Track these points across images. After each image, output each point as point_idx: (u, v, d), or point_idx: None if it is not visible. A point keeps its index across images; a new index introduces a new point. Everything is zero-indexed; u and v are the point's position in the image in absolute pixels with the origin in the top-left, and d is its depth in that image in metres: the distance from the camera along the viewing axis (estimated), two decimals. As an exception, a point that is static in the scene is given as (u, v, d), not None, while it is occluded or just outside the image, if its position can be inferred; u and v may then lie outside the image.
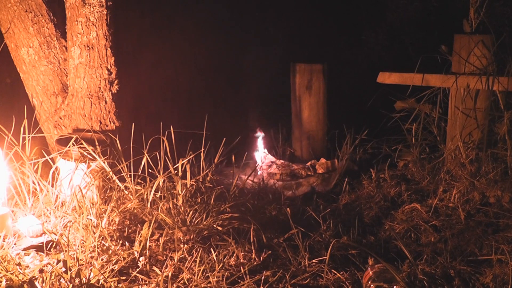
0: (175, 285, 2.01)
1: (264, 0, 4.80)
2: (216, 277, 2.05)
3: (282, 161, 3.71)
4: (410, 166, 3.14)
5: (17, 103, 3.13)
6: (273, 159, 3.66)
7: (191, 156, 2.70)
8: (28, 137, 2.71)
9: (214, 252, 2.20)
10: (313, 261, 2.19)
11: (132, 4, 3.59)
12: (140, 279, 2.06)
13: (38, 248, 2.25)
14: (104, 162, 2.60)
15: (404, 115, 3.16)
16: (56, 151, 2.72)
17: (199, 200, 2.60)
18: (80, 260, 2.12)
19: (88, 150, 2.61)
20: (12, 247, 2.23)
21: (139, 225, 2.44)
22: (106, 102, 3.00)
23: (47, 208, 2.56)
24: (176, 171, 2.59)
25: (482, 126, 2.85)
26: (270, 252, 2.27)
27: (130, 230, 2.43)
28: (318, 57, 3.81)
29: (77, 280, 1.91)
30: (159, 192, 2.58)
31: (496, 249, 2.16)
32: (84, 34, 2.89)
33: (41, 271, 1.99)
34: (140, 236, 2.24)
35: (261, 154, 3.67)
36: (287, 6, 4.82)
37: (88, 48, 2.91)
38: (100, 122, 3.00)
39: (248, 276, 2.07)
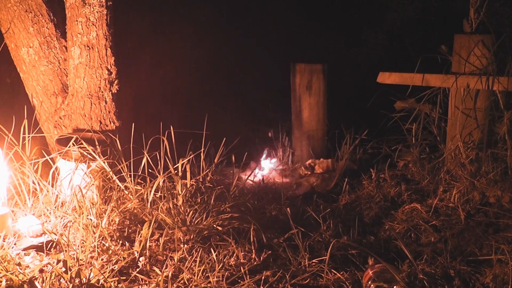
0: (175, 285, 2.01)
1: (264, 1, 4.80)
2: (216, 277, 2.05)
3: (281, 161, 3.71)
4: (410, 166, 3.14)
5: (17, 103, 3.13)
6: (272, 164, 3.65)
7: (191, 156, 2.70)
8: (28, 137, 2.71)
9: (214, 252, 2.20)
10: (313, 261, 2.19)
11: (132, 4, 3.59)
12: (140, 279, 2.06)
13: (38, 248, 2.25)
14: (104, 162, 2.60)
15: (404, 115, 3.16)
16: (56, 151, 2.72)
17: (199, 200, 2.60)
18: (80, 260, 2.12)
19: (88, 150, 2.61)
20: (12, 247, 2.23)
21: (139, 225, 2.44)
22: (106, 102, 3.00)
23: (47, 208, 2.56)
24: (176, 171, 2.59)
25: (482, 126, 2.85)
26: (270, 252, 2.27)
27: (130, 230, 2.43)
28: (318, 57, 3.81)
29: (77, 280, 1.91)
30: (159, 192, 2.58)
31: (496, 249, 2.16)
32: (84, 34, 2.89)
33: (41, 271, 1.99)
34: (140, 236, 2.24)
35: (261, 158, 3.65)
36: (287, 6, 4.82)
37: (88, 48, 2.91)
38: (100, 122, 3.00)
39: (248, 276, 2.07)
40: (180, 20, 4.30)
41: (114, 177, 2.62)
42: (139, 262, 2.17)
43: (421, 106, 3.08)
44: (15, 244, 2.27)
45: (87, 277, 1.95)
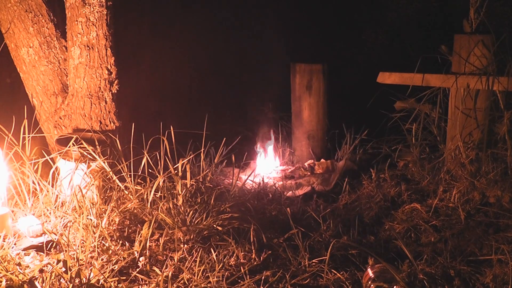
0: (175, 285, 2.01)
1: (264, 0, 4.80)
2: (216, 277, 2.05)
3: (281, 161, 3.71)
4: (410, 166, 3.13)
5: (17, 103, 3.13)
6: (273, 164, 3.65)
7: (191, 156, 2.70)
8: (28, 137, 2.71)
9: (214, 252, 2.20)
10: (313, 261, 2.19)
11: (132, 4, 3.59)
12: (140, 279, 2.06)
13: (38, 248, 2.25)
14: (104, 162, 2.60)
15: (404, 115, 3.16)
16: (56, 151, 2.72)
17: (199, 200, 2.60)
18: (80, 260, 2.12)
19: (88, 150, 2.61)
20: (12, 247, 2.23)
21: (139, 225, 2.44)
22: (106, 102, 3.00)
23: (47, 208, 2.56)
24: (176, 171, 2.59)
25: (482, 126, 2.85)
26: (270, 252, 2.27)
27: (130, 230, 2.43)
28: (318, 57, 3.81)
29: (77, 280, 1.91)
30: (159, 192, 2.58)
31: (496, 249, 2.16)
32: (84, 34, 2.89)
33: (41, 271, 1.99)
34: (140, 236, 2.24)
35: (262, 160, 3.65)
36: (287, 6, 4.83)
37: (88, 48, 2.91)
38: (100, 122, 3.00)
39: (248, 276, 2.07)
40: (180, 20, 4.30)
41: (114, 177, 2.62)
42: (139, 262, 2.17)
43: (421, 106, 3.08)
44: (15, 244, 2.27)
45: (87, 277, 1.95)
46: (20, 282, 1.92)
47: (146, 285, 2.04)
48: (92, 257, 2.17)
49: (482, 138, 2.83)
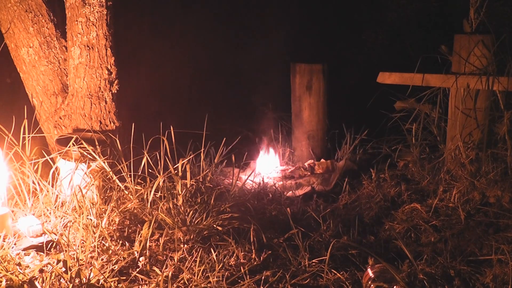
0: (175, 285, 2.01)
1: (264, 1, 4.80)
2: (216, 277, 2.05)
3: (282, 161, 3.71)
4: (410, 166, 3.14)
5: (17, 103, 3.13)
6: (273, 164, 3.65)
7: (191, 156, 2.70)
8: (28, 137, 2.71)
9: (214, 252, 2.20)
10: (313, 261, 2.19)
11: (132, 4, 3.59)
12: (140, 279, 2.06)
13: (38, 248, 2.25)
14: (104, 162, 2.60)
15: (404, 115, 3.16)
16: (56, 151, 2.72)
17: (199, 200, 2.60)
18: (80, 260, 2.12)
19: (88, 150, 2.61)
20: (12, 247, 2.23)
21: (139, 225, 2.44)
22: (106, 102, 3.00)
23: (47, 208, 2.56)
24: (176, 171, 2.59)
25: (482, 126, 2.85)
26: (270, 252, 2.27)
27: (130, 230, 2.43)
28: (318, 57, 3.81)
29: (77, 280, 1.91)
30: (159, 192, 2.58)
31: (496, 249, 2.16)
32: (84, 34, 2.89)
33: (41, 271, 1.99)
34: (140, 236, 2.24)
35: (262, 160, 3.64)
36: (287, 6, 4.83)
37: (88, 48, 2.91)
38: (100, 122, 3.00)
39: (248, 276, 2.07)
40: (180, 20, 4.30)
41: (114, 177, 2.62)
42: (139, 262, 2.17)
43: (421, 106, 3.08)
44: (15, 244, 2.27)
45: (87, 277, 1.95)
46: (20, 282, 1.92)
47: (146, 285, 2.04)
48: (92, 257, 2.17)
49: (482, 138, 2.83)
